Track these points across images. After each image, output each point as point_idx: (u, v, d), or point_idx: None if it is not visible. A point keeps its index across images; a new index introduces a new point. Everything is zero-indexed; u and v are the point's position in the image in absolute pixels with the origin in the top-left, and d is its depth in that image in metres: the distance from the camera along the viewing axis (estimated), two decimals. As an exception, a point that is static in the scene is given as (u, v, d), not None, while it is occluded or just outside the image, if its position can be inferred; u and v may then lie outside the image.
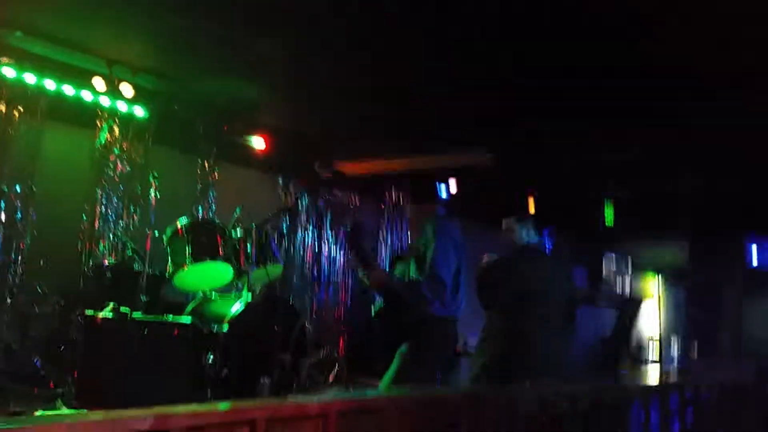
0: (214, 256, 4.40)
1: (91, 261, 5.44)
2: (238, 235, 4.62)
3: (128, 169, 5.94)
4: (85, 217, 5.68)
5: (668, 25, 3.84)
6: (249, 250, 4.67)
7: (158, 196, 4.81)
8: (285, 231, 5.65)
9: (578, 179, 7.64)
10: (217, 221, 4.87)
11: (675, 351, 6.73)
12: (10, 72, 5.05)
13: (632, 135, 5.87)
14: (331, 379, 5.55)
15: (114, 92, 5.51)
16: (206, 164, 6.39)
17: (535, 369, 3.79)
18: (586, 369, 5.42)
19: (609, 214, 7.90)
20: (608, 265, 10.88)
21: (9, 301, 5.09)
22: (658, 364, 6.13)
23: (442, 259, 3.55)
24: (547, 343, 3.86)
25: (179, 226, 4.54)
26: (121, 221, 5.84)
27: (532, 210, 4.38)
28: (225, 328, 4.14)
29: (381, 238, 8.13)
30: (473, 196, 7.59)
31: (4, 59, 5.01)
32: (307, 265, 7.20)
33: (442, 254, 3.56)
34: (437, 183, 4.12)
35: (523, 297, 3.88)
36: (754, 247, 9.75)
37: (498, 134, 6.21)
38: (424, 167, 6.97)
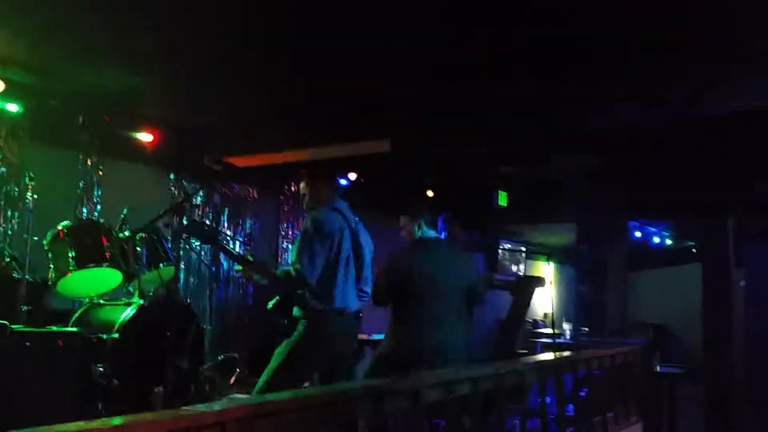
0: (99, 260, 4.17)
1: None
2: (126, 236, 4.40)
3: (2, 169, 5.51)
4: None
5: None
6: (139, 252, 4.46)
7: (36, 198, 4.50)
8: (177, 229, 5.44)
9: (472, 166, 7.84)
10: (103, 222, 4.62)
11: (567, 329, 7.07)
12: None
13: (522, 120, 6.04)
14: (231, 382, 5.41)
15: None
16: (89, 161, 6.03)
17: (430, 357, 3.85)
18: (486, 351, 5.58)
19: (502, 200, 8.16)
20: (503, 250, 11.27)
21: None
22: (551, 343, 6.43)
23: (303, 252, 3.52)
24: (442, 330, 3.93)
25: (60, 229, 4.27)
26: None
27: (429, 195, 4.45)
28: (115, 335, 3.94)
29: (280, 231, 8.01)
30: (373, 185, 7.65)
31: None
32: (204, 264, 6.97)
33: (304, 247, 3.53)
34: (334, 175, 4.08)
35: (413, 288, 3.94)
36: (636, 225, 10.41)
37: (394, 123, 6.23)
38: (324, 158, 6.93)
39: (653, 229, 11.09)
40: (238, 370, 5.65)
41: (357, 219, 3.85)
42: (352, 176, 7.65)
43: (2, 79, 5.10)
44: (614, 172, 7.85)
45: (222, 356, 5.67)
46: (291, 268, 3.55)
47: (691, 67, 4.74)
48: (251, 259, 3.74)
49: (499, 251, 11.09)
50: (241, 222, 7.59)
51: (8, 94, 5.27)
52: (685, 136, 6.43)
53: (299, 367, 3.51)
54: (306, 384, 3.68)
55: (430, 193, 7.64)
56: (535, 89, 5.13)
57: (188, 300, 5.43)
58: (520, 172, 7.85)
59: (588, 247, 9.05)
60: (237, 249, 7.24)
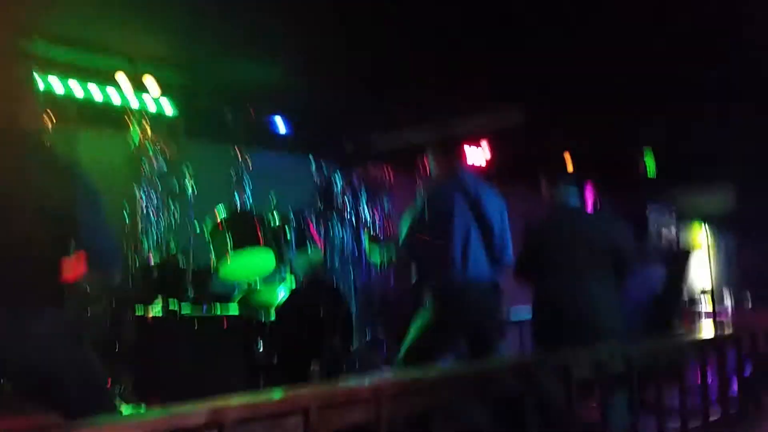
0: (254, 245, 4.43)
1: (137, 260, 5.52)
2: (277, 222, 4.64)
3: (163, 165, 5.99)
4: (127, 218, 5.77)
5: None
6: (288, 236, 4.69)
7: (195, 191, 4.85)
8: (322, 213, 5.65)
9: (614, 131, 7.46)
10: (255, 209, 4.90)
11: (728, 302, 6.53)
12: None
13: (668, 75, 5.65)
14: (380, 360, 5.57)
15: (140, 90, 5.55)
16: (238, 152, 6.40)
17: (570, 329, 3.70)
18: (640, 329, 5.32)
19: (650, 165, 7.70)
20: (653, 218, 10.64)
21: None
22: (711, 319, 5.97)
23: (407, 226, 3.56)
24: (581, 301, 3.74)
25: (218, 218, 4.58)
26: (162, 218, 5.90)
27: (569, 168, 4.26)
28: (272, 315, 4.18)
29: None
30: (508, 157, 7.50)
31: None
32: (348, 246, 7.19)
33: (408, 221, 3.57)
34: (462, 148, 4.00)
35: (547, 256, 3.79)
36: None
37: (529, 92, 6.07)
38: (458, 132, 6.89)
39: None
40: (386, 348, 5.81)
41: (483, 185, 3.76)
42: (487, 149, 7.55)
43: (157, 81, 5.54)
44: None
45: (371, 335, 5.85)
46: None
47: None
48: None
49: (650, 221, 10.49)
50: (379, 202, 7.72)
51: (163, 95, 5.73)
52: None
53: (428, 343, 3.55)
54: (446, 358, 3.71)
55: (569, 166, 7.35)
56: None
57: (336, 282, 5.64)
58: (670, 132, 7.36)
59: (750, 210, 8.36)
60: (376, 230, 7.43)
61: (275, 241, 4.54)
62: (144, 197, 5.84)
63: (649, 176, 7.88)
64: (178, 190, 5.84)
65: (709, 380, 3.85)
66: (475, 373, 2.50)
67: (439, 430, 2.30)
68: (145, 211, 5.81)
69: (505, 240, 3.70)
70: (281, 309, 4.20)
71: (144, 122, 5.84)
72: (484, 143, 7.47)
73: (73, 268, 2.38)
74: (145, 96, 5.67)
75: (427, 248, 3.54)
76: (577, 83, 5.92)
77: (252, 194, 6.31)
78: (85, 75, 5.39)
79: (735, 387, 4.27)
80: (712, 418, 3.79)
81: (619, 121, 7.11)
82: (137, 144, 5.82)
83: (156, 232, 5.77)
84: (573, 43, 4.89)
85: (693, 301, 9.89)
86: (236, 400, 1.94)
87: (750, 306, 6.93)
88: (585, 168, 4.23)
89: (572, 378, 2.83)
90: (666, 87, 6.00)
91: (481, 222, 3.64)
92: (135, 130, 5.82)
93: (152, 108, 5.81)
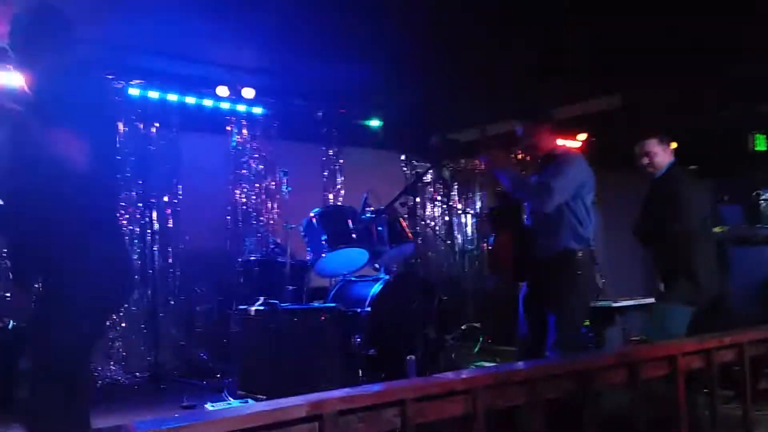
0: (348, 242, 4.50)
1: (239, 258, 5.77)
2: (369, 217, 4.70)
3: (260, 166, 6.23)
4: (228, 217, 6.04)
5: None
6: (380, 231, 4.74)
7: (290, 189, 5.01)
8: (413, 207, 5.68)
9: (720, 111, 7.04)
10: (347, 206, 4.99)
11: None
12: (139, 91, 5.47)
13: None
14: (475, 351, 5.54)
15: (237, 96, 5.77)
16: (330, 152, 6.57)
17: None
18: (753, 315, 5.01)
19: (761, 143, 7.23)
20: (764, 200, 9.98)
21: (172, 303, 5.57)
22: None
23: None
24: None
25: (312, 216, 4.69)
26: (261, 217, 6.15)
27: (672, 146, 4.06)
28: (367, 309, 4.25)
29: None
30: (606, 144, 7.23)
31: (134, 81, 5.41)
32: (440, 238, 7.20)
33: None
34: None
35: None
36: None
37: (627, 76, 5.83)
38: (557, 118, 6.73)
39: None
40: (481, 339, 5.77)
41: None
42: (582, 136, 7.35)
43: (252, 88, 5.75)
44: None
45: (464, 326, 5.84)
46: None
47: None
48: None
49: (761, 201, 9.84)
50: (471, 195, 7.70)
51: (258, 100, 5.94)
52: None
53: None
54: None
55: (673, 145, 6.97)
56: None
57: (428, 273, 5.66)
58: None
59: None
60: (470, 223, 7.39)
61: (368, 236, 4.60)
62: (244, 197, 6.11)
63: (760, 158, 7.39)
64: (274, 189, 6.07)
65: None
66: (578, 367, 2.44)
67: (539, 423, 2.28)
68: (245, 210, 6.08)
69: None
70: (376, 302, 4.26)
71: (242, 126, 6.09)
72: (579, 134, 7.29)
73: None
74: (241, 101, 5.91)
75: None
76: (682, 62, 5.62)
77: (344, 191, 6.48)
78: (186, 85, 5.67)
79: None
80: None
81: (729, 102, 6.70)
82: (236, 146, 6.09)
83: (256, 230, 6.02)
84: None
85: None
86: (335, 393, 1.99)
87: None
88: (690, 153, 4.02)
89: (678, 369, 2.72)
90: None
91: None
92: (233, 134, 6.09)
93: (248, 111, 6.04)
